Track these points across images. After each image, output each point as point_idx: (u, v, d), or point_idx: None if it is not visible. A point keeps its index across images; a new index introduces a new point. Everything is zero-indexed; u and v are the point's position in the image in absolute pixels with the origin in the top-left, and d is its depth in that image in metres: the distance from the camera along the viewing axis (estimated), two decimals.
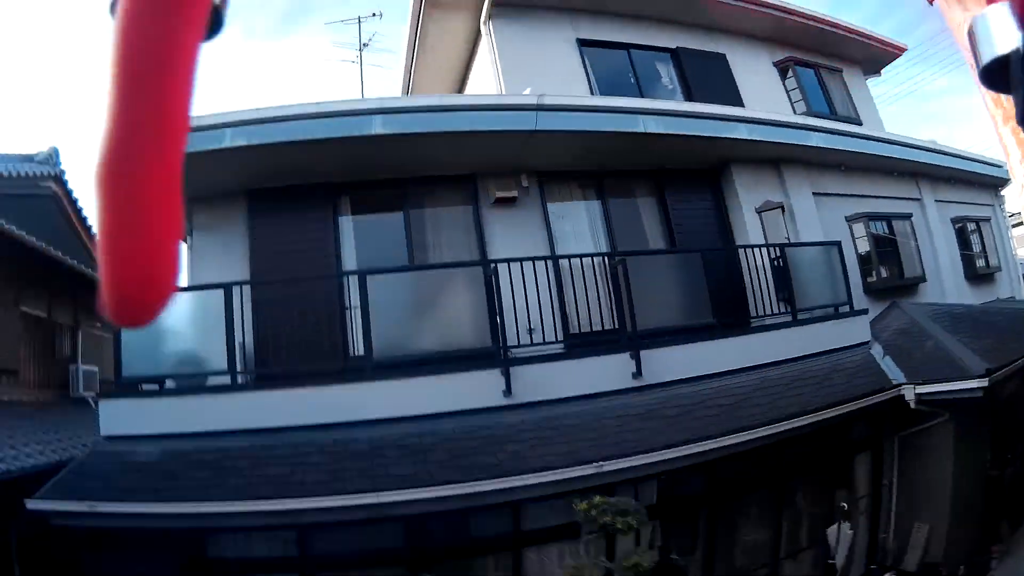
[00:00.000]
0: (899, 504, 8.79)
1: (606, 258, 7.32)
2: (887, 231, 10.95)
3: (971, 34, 0.76)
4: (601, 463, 5.60)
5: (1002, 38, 0.72)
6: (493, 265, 6.86)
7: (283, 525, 5.45)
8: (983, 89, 0.78)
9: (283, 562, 6.07)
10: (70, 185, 11.82)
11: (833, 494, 8.23)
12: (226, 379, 6.28)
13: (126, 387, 6.31)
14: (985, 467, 8.76)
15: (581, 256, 7.30)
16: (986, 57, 0.74)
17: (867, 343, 8.70)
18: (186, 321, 6.48)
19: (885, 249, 10.77)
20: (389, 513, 5.43)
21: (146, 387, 6.48)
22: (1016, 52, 0.71)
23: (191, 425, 5.83)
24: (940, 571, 7.82)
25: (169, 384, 6.55)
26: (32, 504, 5.09)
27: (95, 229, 0.61)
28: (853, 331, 8.67)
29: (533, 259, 6.88)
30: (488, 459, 5.68)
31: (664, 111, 8.26)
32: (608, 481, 5.49)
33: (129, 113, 0.57)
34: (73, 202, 12.01)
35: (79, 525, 5.23)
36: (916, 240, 11.31)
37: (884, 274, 10.53)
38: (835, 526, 7.75)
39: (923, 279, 11.12)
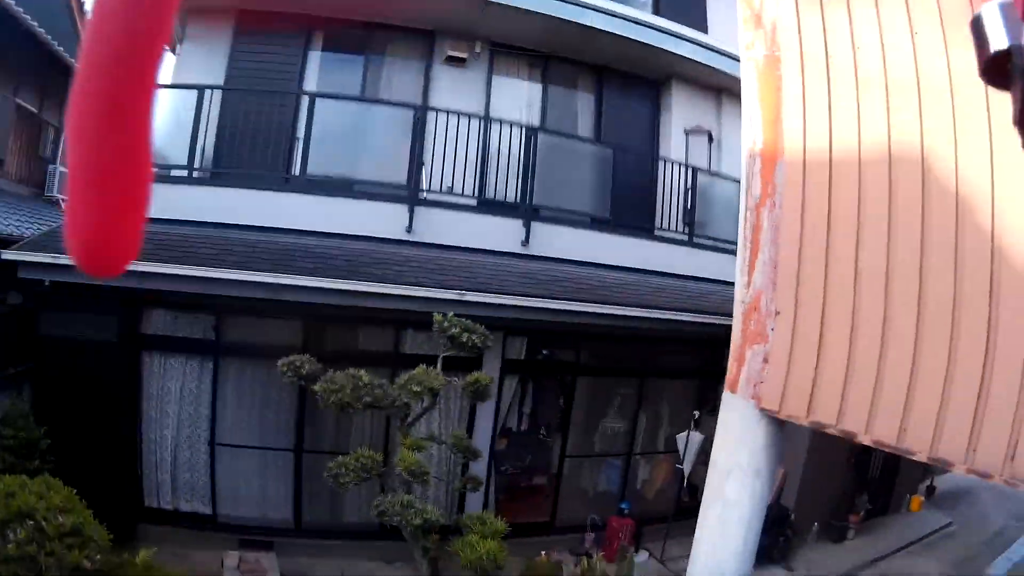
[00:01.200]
0: None
1: (523, 130, 7.85)
2: None
3: (975, 27, 0.74)
4: (463, 291, 6.33)
5: (1004, 33, 0.71)
6: (423, 111, 7.42)
7: (202, 293, 6.12)
8: (985, 83, 0.77)
9: (203, 344, 6.90)
10: None
11: (696, 406, 8.77)
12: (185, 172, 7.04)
13: None
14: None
15: (501, 122, 7.83)
16: (989, 51, 0.72)
17: None
18: (162, 117, 7.05)
19: None
20: (287, 297, 6.15)
21: None
22: (1017, 48, 0.70)
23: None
24: (789, 515, 8.46)
25: None
26: (7, 255, 5.81)
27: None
28: None
29: (459, 113, 7.42)
30: (375, 271, 6.38)
31: (611, 11, 8.63)
32: (473, 312, 6.12)
33: (102, 70, 0.59)
34: (81, 3, 11.96)
35: (43, 279, 5.88)
36: None
37: None
38: (685, 432, 8.28)
39: None
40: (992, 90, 0.73)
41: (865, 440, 3.54)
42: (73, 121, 0.60)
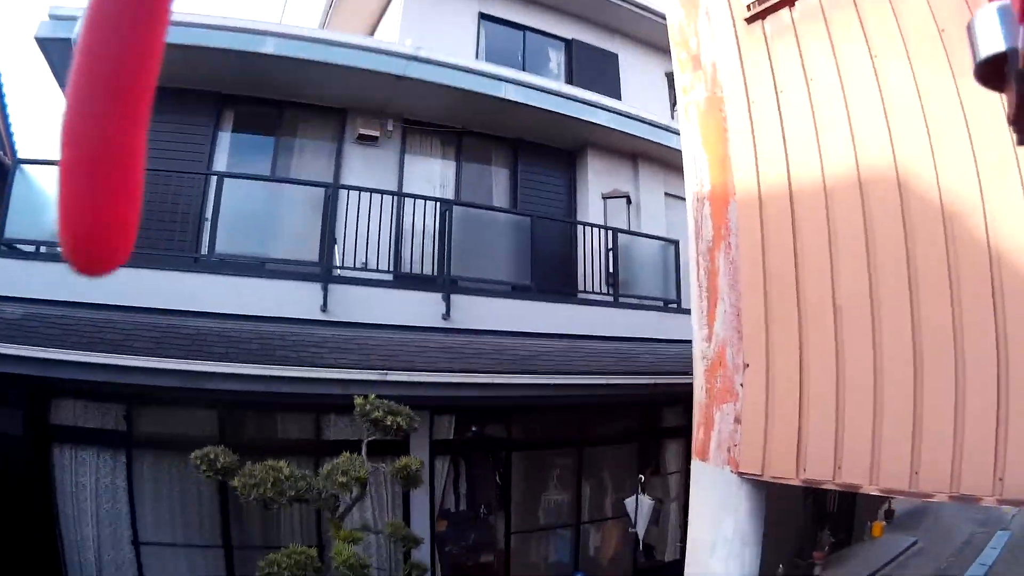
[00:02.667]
0: None
1: (438, 204, 7.75)
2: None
3: (971, 30, 0.75)
4: (386, 371, 6.04)
5: (999, 35, 0.72)
6: (334, 189, 7.27)
7: (111, 382, 5.66)
8: (979, 85, 0.77)
9: (114, 436, 6.38)
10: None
11: (639, 471, 8.69)
12: None
13: (5, 246, 6.50)
14: None
15: (415, 197, 7.73)
16: (983, 53, 0.73)
17: (690, 341, 9.41)
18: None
19: None
20: (200, 385, 5.72)
21: (25, 248, 6.66)
22: (1013, 50, 0.71)
23: (56, 293, 6.04)
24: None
25: (43, 250, 6.74)
26: None
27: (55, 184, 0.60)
28: (679, 326, 9.32)
29: (372, 190, 7.29)
30: (290, 353, 6.05)
31: (528, 83, 8.81)
32: (397, 393, 5.83)
33: (95, 71, 0.58)
34: None
35: None
36: None
37: None
38: (634, 497, 8.13)
39: None
40: (968, 97, 0.77)
41: (871, 491, 3.21)
42: (69, 111, 0.58)
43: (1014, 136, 0.74)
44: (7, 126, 11.51)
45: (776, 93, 3.73)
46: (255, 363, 5.82)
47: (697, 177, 4.14)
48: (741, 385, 3.76)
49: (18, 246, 6.53)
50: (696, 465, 4.02)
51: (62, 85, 8.91)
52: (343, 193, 7.31)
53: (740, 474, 3.72)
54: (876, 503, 11.32)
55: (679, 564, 9.20)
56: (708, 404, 3.95)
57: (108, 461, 6.36)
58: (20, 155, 11.05)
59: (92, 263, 0.63)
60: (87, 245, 0.62)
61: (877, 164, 3.30)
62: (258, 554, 5.23)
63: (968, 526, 11.43)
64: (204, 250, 7.00)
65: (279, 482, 4.87)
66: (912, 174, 3.18)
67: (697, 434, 4.02)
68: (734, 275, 3.87)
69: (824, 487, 3.38)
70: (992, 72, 0.74)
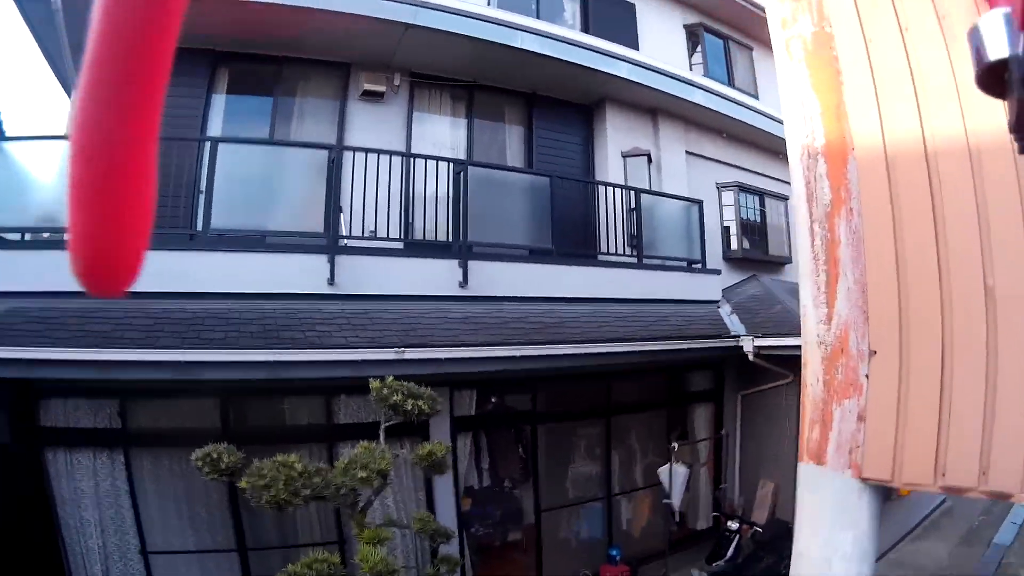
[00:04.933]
0: (743, 460, 9.12)
1: (450, 165, 7.18)
2: (759, 206, 11.27)
3: (973, 37, 0.74)
4: (403, 349, 5.56)
5: (1001, 42, 0.71)
6: (338, 151, 6.71)
7: (102, 378, 5.24)
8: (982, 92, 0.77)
9: (109, 435, 5.91)
10: None
11: (668, 437, 8.45)
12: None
13: None
14: None
15: (427, 158, 7.14)
16: (984, 60, 0.73)
17: (716, 302, 8.98)
18: (52, 173, 6.08)
19: (752, 221, 11.09)
20: (198, 376, 5.28)
21: (7, 237, 6.08)
22: (1014, 57, 0.70)
23: (41, 283, 5.37)
24: (789, 529, 8.00)
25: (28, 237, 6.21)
26: None
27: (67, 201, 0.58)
28: (703, 287, 8.93)
29: (379, 151, 6.73)
30: (296, 334, 5.56)
31: (544, 32, 8.23)
32: (415, 372, 5.41)
33: (104, 90, 0.57)
34: None
35: None
36: (789, 223, 11.67)
37: (746, 245, 10.84)
38: (667, 466, 7.89)
39: (788, 260, 11.50)
40: None
41: None
42: (78, 131, 0.57)
43: (1015, 144, 0.75)
44: None
45: (901, 31, 3.10)
46: (257, 348, 5.33)
47: (806, 127, 3.45)
48: (866, 376, 3.17)
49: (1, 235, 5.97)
50: (807, 470, 3.41)
51: (44, 49, 8.33)
52: (348, 157, 6.74)
53: (864, 480, 3.16)
54: None
55: (711, 532, 8.95)
56: (826, 399, 3.31)
57: (106, 462, 5.91)
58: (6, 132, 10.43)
59: (104, 284, 0.62)
60: (99, 267, 0.61)
61: None
62: (275, 555, 4.81)
63: None
64: (199, 226, 6.39)
65: (292, 480, 4.41)
66: None
67: (809, 433, 3.40)
68: (858, 246, 3.26)
69: (967, 495, 2.83)
70: (994, 79, 0.73)
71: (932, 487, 2.89)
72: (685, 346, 7.22)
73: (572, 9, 10.24)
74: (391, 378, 4.93)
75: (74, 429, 5.84)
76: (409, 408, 4.85)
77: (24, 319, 5.24)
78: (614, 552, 7.79)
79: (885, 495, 3.29)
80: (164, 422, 6.12)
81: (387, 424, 4.98)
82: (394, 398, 4.81)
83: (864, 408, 3.15)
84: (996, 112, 2.72)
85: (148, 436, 6.03)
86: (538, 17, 9.09)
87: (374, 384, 4.84)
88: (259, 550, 6.13)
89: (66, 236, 0.58)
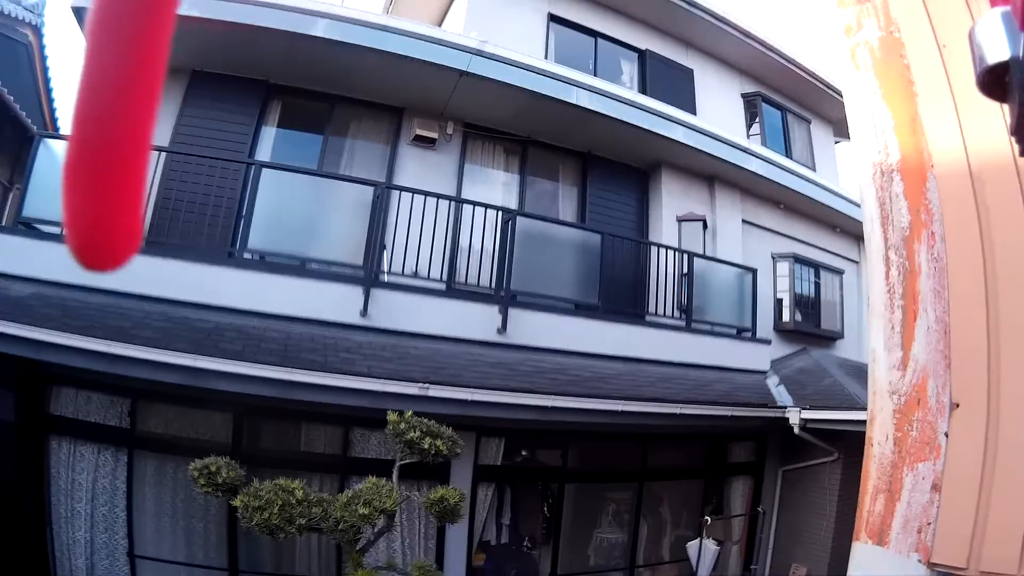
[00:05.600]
0: (777, 541, 8.61)
1: (499, 214, 7.12)
2: (814, 278, 10.93)
3: (972, 39, 0.72)
4: (427, 385, 5.36)
5: (1000, 44, 0.69)
6: (384, 188, 6.71)
7: (110, 372, 5.12)
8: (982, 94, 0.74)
9: (116, 433, 5.82)
10: (46, 39, 11.56)
11: (702, 510, 8.01)
12: None
13: (23, 225, 6.07)
14: None
15: (475, 204, 7.08)
16: (985, 63, 0.71)
17: (764, 372, 8.65)
18: None
19: (806, 294, 10.73)
20: (207, 384, 5.13)
21: (44, 229, 6.16)
22: (1015, 59, 0.68)
23: (73, 276, 5.53)
24: None
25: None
26: None
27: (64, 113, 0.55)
28: (752, 356, 8.63)
29: (426, 193, 6.71)
30: (316, 357, 5.43)
31: (600, 90, 8.20)
32: (438, 411, 5.20)
33: (105, 74, 0.57)
34: (43, 58, 11.70)
35: None
36: (843, 298, 11.31)
37: (799, 317, 10.46)
38: (697, 540, 7.48)
39: (841, 335, 11.12)
40: None
41: None
42: (79, 104, 0.57)
43: (1016, 147, 0.72)
44: (50, 99, 11.54)
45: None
46: (271, 364, 5.19)
47: (878, 142, 3.12)
48: (946, 435, 2.68)
49: (37, 226, 6.06)
50: (863, 551, 2.88)
51: None
52: (394, 197, 6.72)
53: (932, 567, 2.62)
54: None
55: None
56: (896, 463, 2.81)
57: (108, 460, 5.81)
58: (47, 130, 10.87)
59: (97, 259, 0.62)
60: (91, 241, 0.61)
61: None
62: None
63: None
64: (239, 244, 6.45)
65: (289, 506, 4.20)
66: None
67: (871, 506, 2.89)
68: (940, 277, 2.84)
69: None
70: (995, 81, 0.70)
71: None
72: (728, 413, 6.85)
73: (630, 71, 10.30)
74: (410, 413, 4.73)
75: (82, 422, 5.78)
76: (426, 447, 4.63)
77: (43, 304, 5.28)
78: None
79: None
80: (174, 430, 5.97)
81: (402, 463, 4.77)
82: (411, 434, 4.61)
83: (941, 475, 2.66)
84: None
85: (155, 441, 5.90)
86: (595, 75, 9.13)
87: (392, 417, 4.66)
88: (251, 574, 5.92)
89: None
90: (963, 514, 2.54)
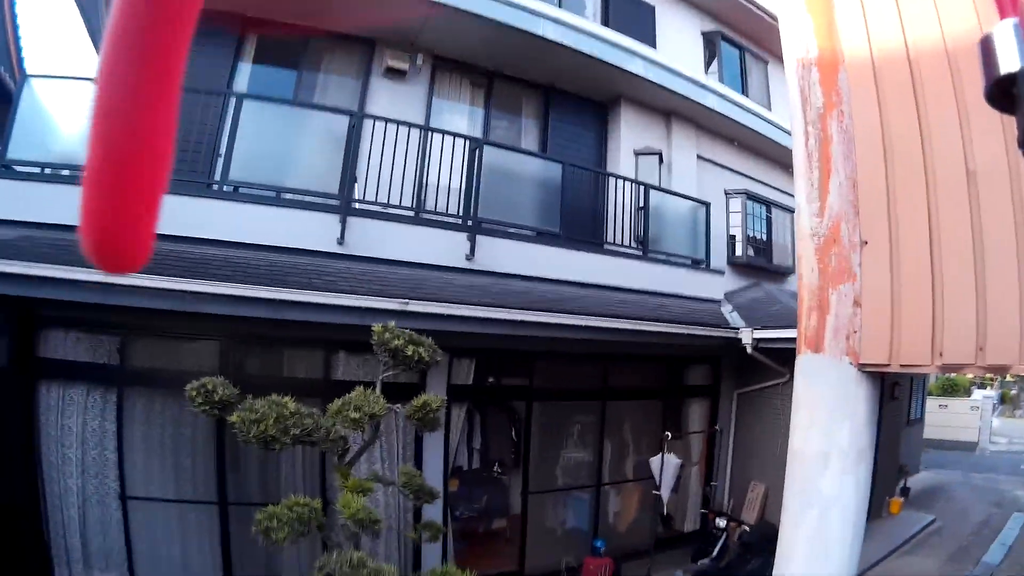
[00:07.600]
0: (736, 460, 9.23)
1: (466, 143, 7.37)
2: (766, 215, 11.38)
3: (984, 47, 0.72)
4: (407, 300, 5.65)
5: (1012, 55, 0.69)
6: (358, 118, 6.90)
7: (104, 304, 5.14)
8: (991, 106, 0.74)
9: (105, 371, 5.93)
10: None
11: (662, 429, 8.40)
12: None
13: (4, 167, 6.03)
14: None
15: (444, 132, 7.31)
16: (996, 72, 0.71)
17: (718, 300, 9.11)
18: (71, 111, 6.30)
19: (758, 230, 11.19)
20: (200, 308, 5.27)
21: (25, 170, 6.17)
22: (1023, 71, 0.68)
23: (59, 216, 5.51)
24: (777, 533, 8.00)
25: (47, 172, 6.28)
26: None
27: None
28: (706, 285, 9.11)
29: (398, 122, 6.94)
30: (301, 279, 5.65)
31: (565, 21, 8.41)
32: (418, 325, 5.41)
33: (122, 76, 0.58)
34: (12, 3, 11.26)
35: None
36: (794, 235, 11.74)
37: (751, 252, 10.95)
38: (659, 456, 7.90)
39: (792, 271, 11.54)
40: None
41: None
42: (98, 108, 0.58)
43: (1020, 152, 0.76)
44: (16, 40, 11.18)
45: None
46: (263, 285, 5.36)
47: (801, 43, 3.76)
48: (859, 265, 3.38)
49: (20, 168, 6.06)
50: (805, 360, 3.55)
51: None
52: (367, 128, 6.90)
53: (862, 367, 3.29)
54: (892, 479, 11.32)
55: (698, 534, 8.97)
56: (822, 286, 3.51)
57: (97, 401, 5.89)
58: (14, 74, 10.55)
59: (110, 263, 0.64)
60: (107, 247, 0.63)
61: None
62: (256, 511, 4.80)
63: (983, 507, 11.55)
64: (217, 175, 6.56)
65: (283, 418, 4.42)
66: None
67: (807, 321, 3.59)
68: (848, 145, 3.50)
69: (966, 372, 3.03)
70: (1002, 92, 0.70)
71: (931, 367, 3.04)
72: (685, 331, 7.28)
73: (593, 4, 10.43)
74: (393, 324, 4.99)
75: (72, 362, 5.84)
76: (409, 354, 4.87)
77: (33, 244, 5.33)
78: (599, 544, 7.78)
79: (879, 387, 3.38)
80: (163, 363, 6.12)
81: (385, 374, 5.04)
82: (395, 342, 4.85)
83: (859, 294, 3.32)
84: (968, 16, 3.00)
85: (145, 376, 6.03)
86: (560, 7, 9.28)
87: (377, 328, 4.86)
88: (240, 505, 6.12)
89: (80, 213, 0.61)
90: (881, 322, 3.21)
